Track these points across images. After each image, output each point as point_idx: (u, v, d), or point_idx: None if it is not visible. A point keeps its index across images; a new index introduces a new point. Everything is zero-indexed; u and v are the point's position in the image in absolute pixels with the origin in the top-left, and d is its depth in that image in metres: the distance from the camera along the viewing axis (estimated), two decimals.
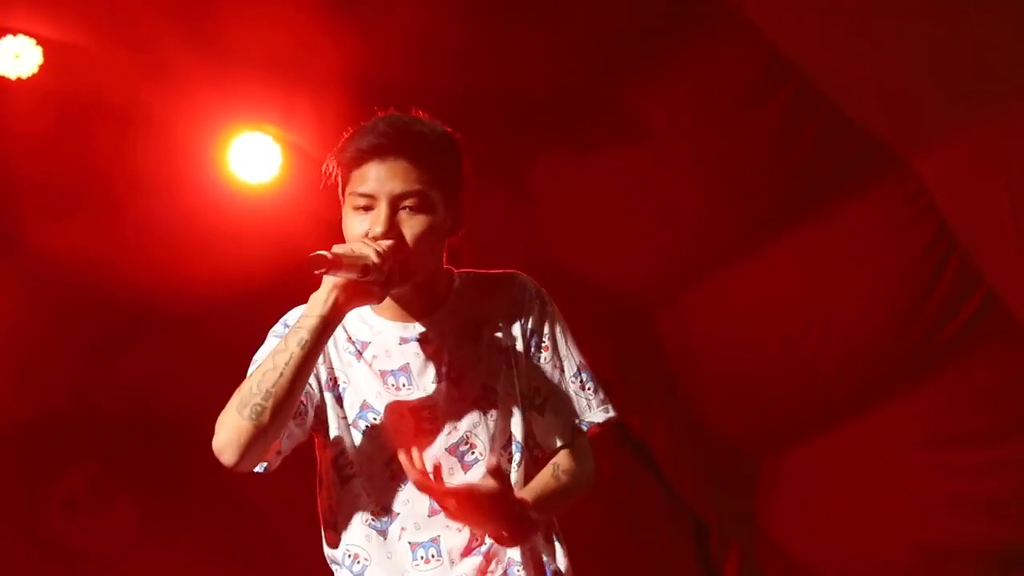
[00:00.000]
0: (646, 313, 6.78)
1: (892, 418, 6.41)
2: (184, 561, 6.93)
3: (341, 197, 3.28)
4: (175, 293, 6.44)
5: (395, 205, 3.16)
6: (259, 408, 2.99)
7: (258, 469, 3.17)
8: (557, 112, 6.21)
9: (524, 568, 3.23)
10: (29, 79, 6.02)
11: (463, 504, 2.99)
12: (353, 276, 3.04)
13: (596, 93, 6.16)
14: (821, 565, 6.68)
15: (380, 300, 3.16)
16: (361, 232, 3.15)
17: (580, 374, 3.38)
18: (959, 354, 6.16)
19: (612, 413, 3.39)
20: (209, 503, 7.02)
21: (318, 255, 2.98)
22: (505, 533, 3.07)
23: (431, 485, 2.98)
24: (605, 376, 6.60)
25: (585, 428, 3.35)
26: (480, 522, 3.07)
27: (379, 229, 3.13)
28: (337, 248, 3.06)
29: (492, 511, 3.03)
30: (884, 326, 6.24)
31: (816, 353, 6.39)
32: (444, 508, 3.02)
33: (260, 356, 3.21)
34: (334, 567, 3.29)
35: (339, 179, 3.27)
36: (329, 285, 3.06)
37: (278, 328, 3.28)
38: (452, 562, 3.19)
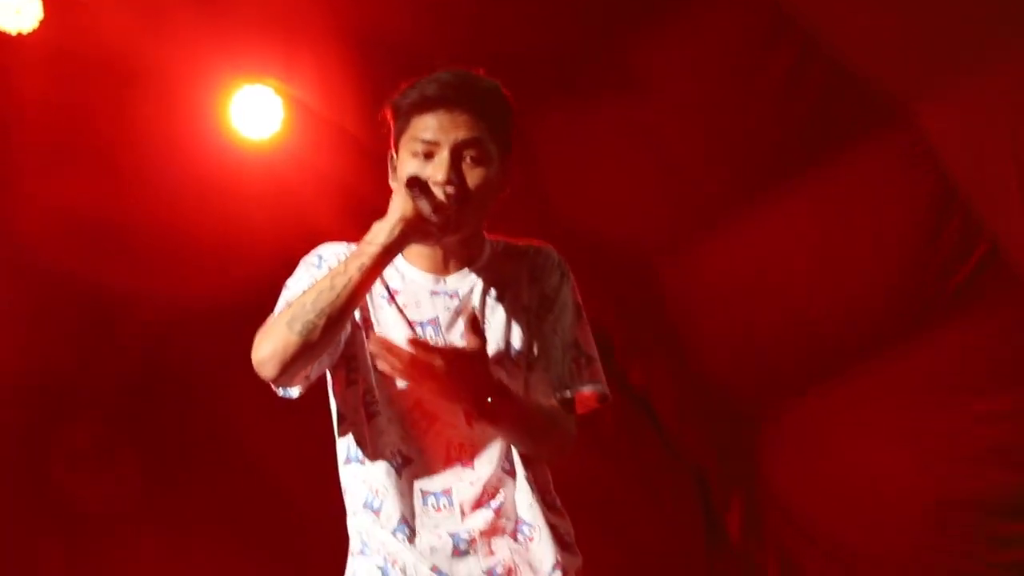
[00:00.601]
0: (648, 266, 6.78)
1: (895, 370, 6.41)
2: (186, 516, 6.95)
3: (394, 143, 3.34)
4: (177, 249, 6.44)
5: (457, 154, 3.23)
6: (311, 325, 3.05)
7: (288, 392, 3.26)
8: (559, 67, 6.20)
9: (533, 530, 3.28)
10: (30, 34, 5.99)
11: (449, 365, 3.03)
12: (426, 210, 3.12)
13: (599, 48, 6.15)
14: (824, 516, 6.70)
15: (436, 242, 3.24)
16: (424, 177, 3.20)
17: (579, 346, 3.41)
18: (963, 305, 6.16)
19: (601, 388, 3.43)
20: (212, 459, 7.04)
21: (417, 176, 3.13)
22: (486, 402, 3.10)
23: (420, 352, 3.02)
24: (607, 328, 6.70)
25: (569, 395, 3.38)
26: (461, 388, 3.10)
27: (441, 176, 3.20)
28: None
29: (473, 377, 3.08)
30: (887, 278, 6.24)
31: (818, 305, 6.40)
32: (429, 372, 3.03)
33: (294, 283, 3.30)
34: (349, 503, 3.33)
35: (395, 125, 3.33)
36: (396, 216, 3.12)
37: (311, 259, 3.36)
38: (463, 513, 3.23)
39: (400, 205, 3.13)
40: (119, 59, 6.09)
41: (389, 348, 3.05)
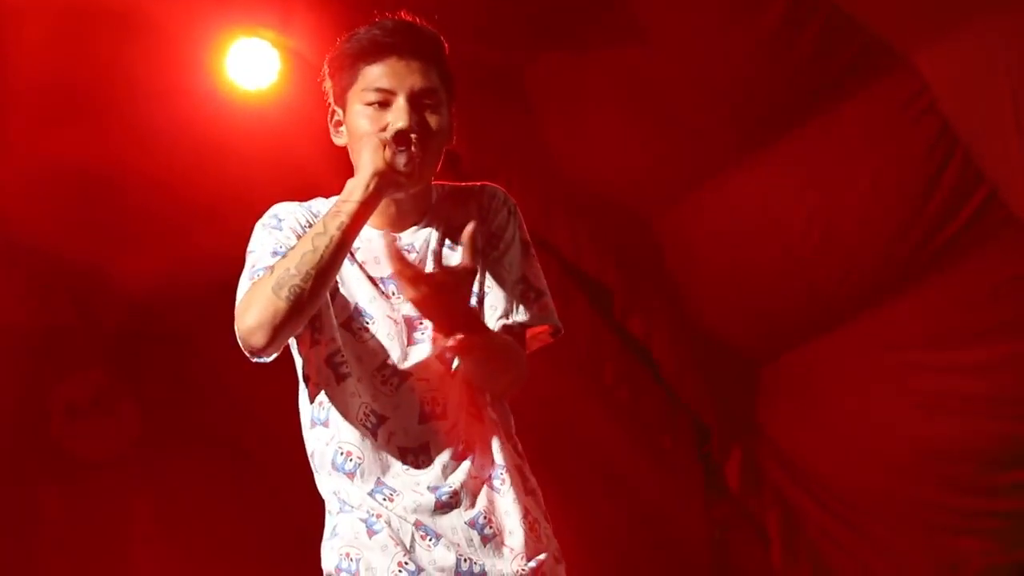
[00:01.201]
0: (646, 218, 6.77)
1: (893, 319, 6.42)
2: (185, 465, 6.97)
3: (338, 96, 3.31)
4: (173, 201, 6.43)
5: (414, 100, 3.19)
6: (298, 289, 3.02)
7: (262, 359, 3.19)
8: (554, 15, 6.17)
9: (507, 472, 3.25)
10: None
11: (433, 289, 3.00)
12: (401, 162, 3.12)
13: None
14: (822, 466, 6.72)
15: (405, 193, 3.20)
16: (377, 127, 3.18)
17: (527, 280, 3.36)
18: (960, 254, 6.16)
19: (553, 321, 3.37)
20: (211, 407, 7.06)
21: (403, 131, 3.11)
22: (462, 330, 3.06)
23: (407, 270, 3.00)
24: (606, 281, 6.70)
25: (515, 325, 3.32)
26: (442, 314, 3.07)
27: (403, 123, 3.16)
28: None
29: (454, 305, 3.05)
30: (885, 227, 6.24)
31: (817, 255, 6.39)
32: (415, 292, 3.00)
33: (258, 247, 3.26)
34: (318, 468, 3.31)
35: (339, 77, 3.30)
36: (370, 170, 3.10)
37: (269, 221, 3.32)
38: (443, 467, 3.20)
39: (372, 159, 3.10)
40: (114, 11, 6.05)
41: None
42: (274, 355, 3.19)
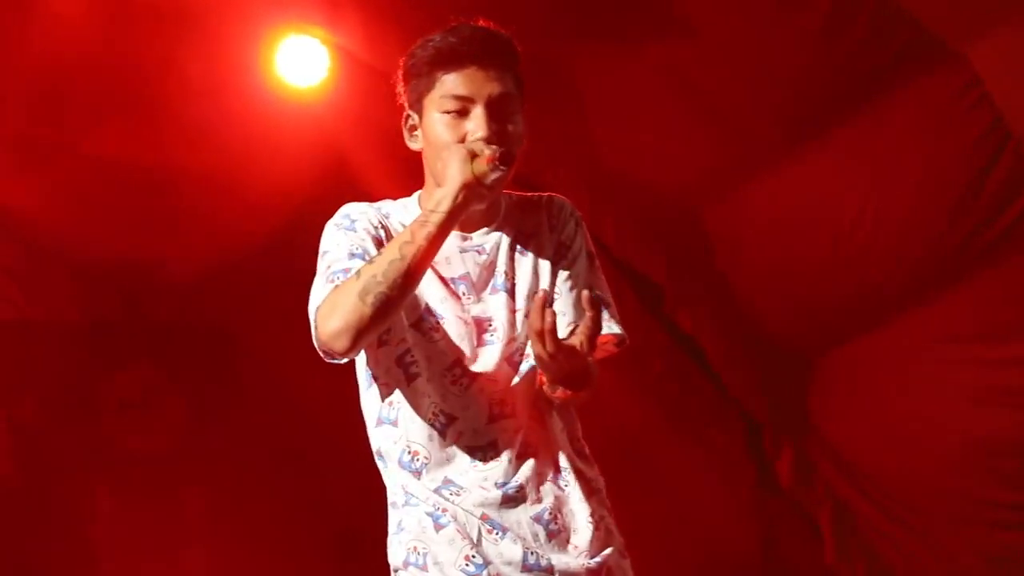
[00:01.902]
0: (695, 212, 6.76)
1: (943, 312, 6.38)
2: (234, 458, 7.02)
3: (414, 102, 3.33)
4: (222, 197, 6.47)
5: (493, 108, 3.22)
6: (383, 297, 3.05)
7: (337, 360, 3.23)
8: (603, 9, 6.16)
9: (571, 473, 3.31)
10: None
11: (566, 357, 3.03)
12: (488, 172, 3.15)
13: None
14: (873, 461, 6.69)
15: (484, 204, 3.26)
16: (457, 136, 3.22)
17: (593, 291, 3.32)
18: (1012, 247, 6.11)
19: (619, 331, 3.39)
20: (259, 402, 7.10)
21: (487, 138, 3.15)
22: (580, 385, 3.16)
23: (548, 338, 3.00)
24: (655, 275, 6.69)
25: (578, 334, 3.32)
26: (563, 377, 3.13)
27: (483, 132, 3.20)
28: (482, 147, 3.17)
29: (577, 370, 3.10)
30: (936, 220, 6.19)
31: (867, 248, 6.35)
32: (547, 358, 3.03)
33: (333, 248, 3.27)
34: (385, 464, 3.34)
35: (415, 84, 3.33)
36: (458, 183, 3.13)
37: (342, 221, 3.33)
38: (510, 463, 3.24)
39: (460, 170, 3.13)
40: (167, 9, 6.09)
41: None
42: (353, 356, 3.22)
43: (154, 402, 7.12)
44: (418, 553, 3.23)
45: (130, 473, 7.02)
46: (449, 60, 3.24)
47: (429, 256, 3.12)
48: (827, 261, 6.43)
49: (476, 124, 3.20)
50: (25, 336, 6.91)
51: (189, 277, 6.95)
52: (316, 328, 3.14)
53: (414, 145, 3.37)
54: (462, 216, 3.17)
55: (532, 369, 3.29)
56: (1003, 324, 6.25)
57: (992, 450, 6.32)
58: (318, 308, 3.14)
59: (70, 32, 6.03)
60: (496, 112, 3.22)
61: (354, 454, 6.81)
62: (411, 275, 3.08)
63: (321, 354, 3.20)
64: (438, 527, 3.22)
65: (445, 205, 3.11)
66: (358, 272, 3.09)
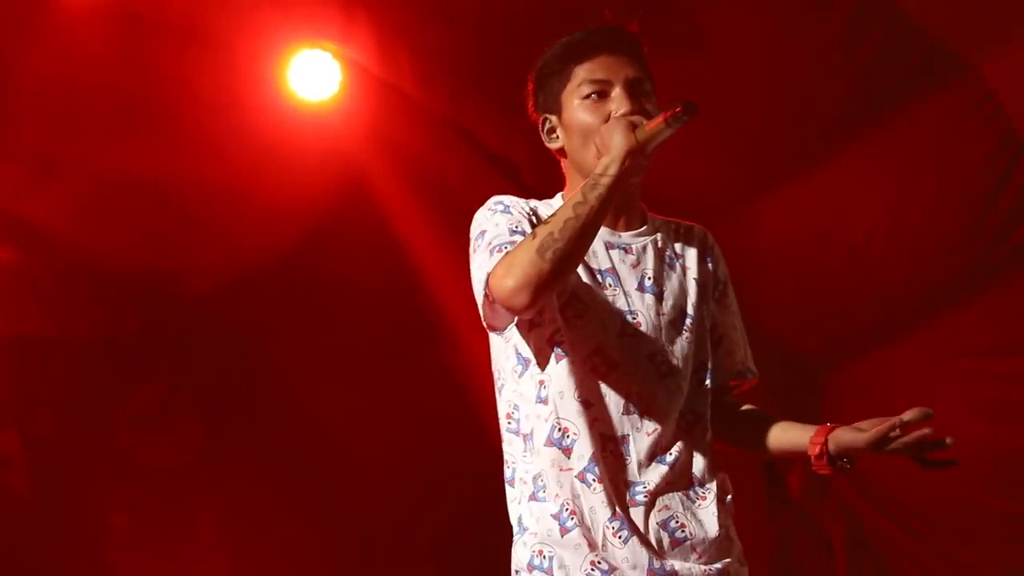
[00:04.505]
0: (709, 224, 6.74)
1: (958, 326, 6.37)
2: (249, 473, 7.03)
3: (552, 103, 3.42)
4: (236, 210, 6.48)
5: (631, 90, 3.34)
6: (562, 252, 3.10)
7: (497, 328, 3.33)
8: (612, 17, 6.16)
9: (706, 490, 3.37)
10: None
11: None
12: (661, 127, 3.20)
13: (659, 5, 6.11)
14: (886, 475, 6.67)
15: (640, 178, 3.33)
16: (602, 116, 3.32)
17: (743, 330, 3.56)
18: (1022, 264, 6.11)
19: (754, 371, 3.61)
20: (274, 417, 7.10)
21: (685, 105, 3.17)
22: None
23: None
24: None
25: (751, 376, 3.58)
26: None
27: (626, 107, 3.31)
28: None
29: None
30: (950, 235, 6.19)
31: (882, 263, 6.35)
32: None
33: (492, 226, 3.31)
34: (535, 442, 3.33)
35: (549, 84, 3.43)
36: (623, 148, 3.18)
37: (496, 207, 3.38)
38: (640, 464, 3.28)
39: (625, 137, 3.19)
40: (180, 23, 6.11)
41: None
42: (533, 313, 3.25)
43: (170, 417, 7.13)
44: (544, 556, 3.26)
45: (146, 488, 7.03)
46: (581, 52, 3.36)
47: (601, 217, 3.15)
48: (841, 275, 6.43)
49: (618, 103, 3.31)
50: (43, 351, 6.93)
51: (205, 291, 6.97)
52: (491, 291, 3.18)
53: (554, 144, 3.45)
54: (627, 181, 3.21)
55: (697, 384, 3.40)
56: (1018, 338, 6.24)
57: (1007, 464, 6.31)
58: (490, 274, 3.18)
59: (85, 49, 6.06)
60: (635, 92, 3.33)
61: (368, 466, 6.82)
62: (586, 232, 3.12)
63: (487, 326, 3.32)
64: (564, 531, 3.24)
65: (613, 169, 3.15)
66: (533, 233, 3.14)
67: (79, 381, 6.95)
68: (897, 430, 3.33)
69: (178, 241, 6.68)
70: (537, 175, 5.97)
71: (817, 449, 3.42)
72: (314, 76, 6.37)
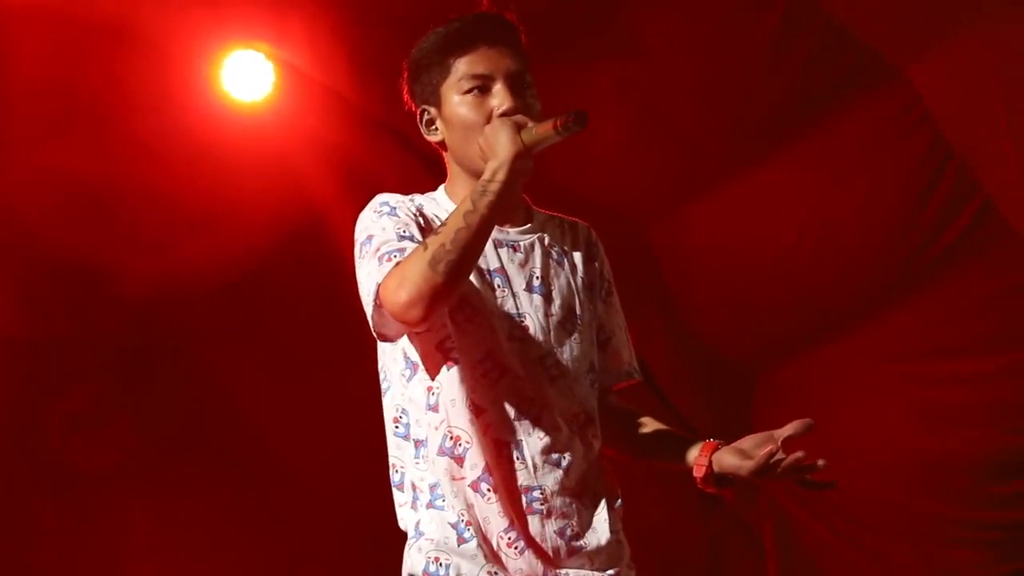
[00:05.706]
0: (643, 227, 6.77)
1: (890, 329, 6.42)
2: (184, 477, 6.97)
3: (430, 95, 3.33)
4: (169, 211, 6.44)
5: (512, 83, 3.25)
6: (454, 264, 3.03)
7: (388, 337, 3.27)
8: (551, 23, 6.17)
9: (598, 495, 3.35)
10: None
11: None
12: (545, 143, 3.15)
13: (591, 9, 6.13)
14: (819, 476, 6.70)
15: (527, 179, 3.22)
16: (483, 113, 3.24)
17: (627, 329, 3.54)
18: (956, 264, 6.16)
19: (639, 371, 3.59)
20: (206, 423, 7.05)
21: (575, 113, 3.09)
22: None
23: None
24: None
25: (636, 376, 3.56)
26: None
27: (508, 103, 3.22)
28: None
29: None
30: (880, 237, 6.24)
31: (812, 265, 6.39)
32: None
33: (378, 230, 3.23)
34: (427, 450, 3.28)
35: (426, 77, 3.33)
36: (510, 151, 3.10)
37: (381, 208, 3.30)
38: (535, 468, 3.23)
39: (511, 140, 3.11)
40: (111, 23, 6.08)
41: None
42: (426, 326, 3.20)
43: (103, 419, 7.06)
44: (440, 564, 3.21)
45: (78, 491, 6.95)
46: (459, 44, 3.27)
47: (491, 225, 3.09)
48: (772, 277, 6.46)
49: (500, 99, 3.22)
50: None
51: (137, 292, 6.91)
52: (383, 303, 3.11)
53: (434, 137, 3.38)
54: (516, 185, 3.15)
55: (588, 387, 3.37)
56: (949, 341, 6.29)
57: (939, 466, 6.35)
58: (380, 285, 3.12)
59: (16, 50, 6.01)
60: (516, 86, 3.25)
61: (308, 471, 6.78)
62: (478, 241, 3.07)
63: (376, 335, 3.24)
64: (460, 540, 3.21)
65: (502, 175, 3.09)
66: (424, 244, 3.07)
67: (8, 382, 6.88)
68: (779, 452, 3.25)
69: (111, 242, 6.62)
70: None
71: (703, 471, 3.31)
72: (247, 77, 6.34)
